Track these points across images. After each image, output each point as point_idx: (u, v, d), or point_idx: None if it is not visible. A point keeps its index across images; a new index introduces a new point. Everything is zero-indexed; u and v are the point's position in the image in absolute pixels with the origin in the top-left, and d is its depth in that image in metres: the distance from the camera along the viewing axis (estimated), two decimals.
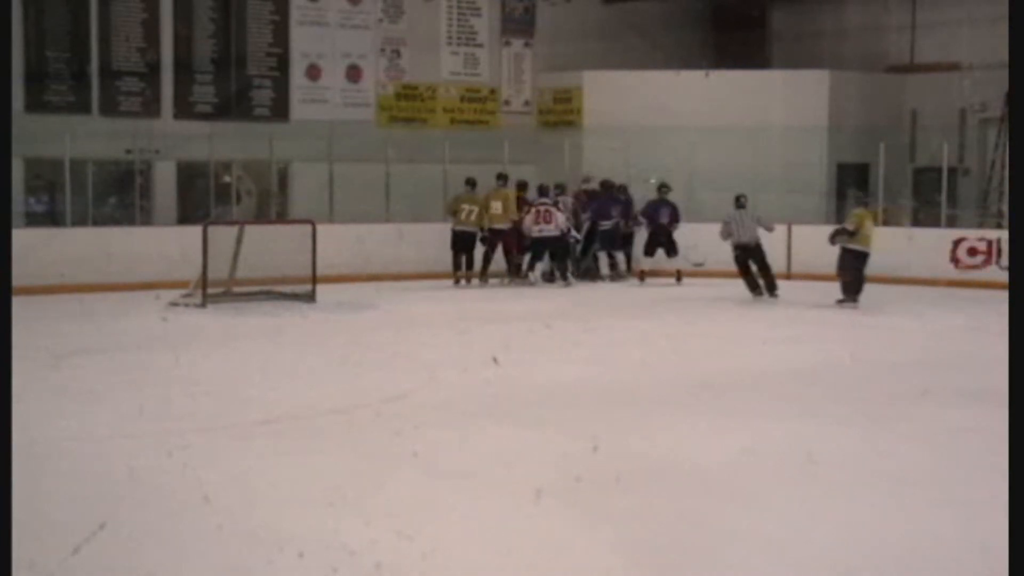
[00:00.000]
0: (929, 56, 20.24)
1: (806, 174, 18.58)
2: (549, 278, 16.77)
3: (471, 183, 16.79)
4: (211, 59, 17.97)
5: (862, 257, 14.35)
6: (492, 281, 16.83)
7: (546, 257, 16.78)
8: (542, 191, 16.80)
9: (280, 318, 13.14)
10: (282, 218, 17.65)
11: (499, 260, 16.99)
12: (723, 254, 15.68)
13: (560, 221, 16.44)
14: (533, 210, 16.51)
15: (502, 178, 17.04)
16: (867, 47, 20.79)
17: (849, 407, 8.48)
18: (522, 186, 17.33)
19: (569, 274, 16.69)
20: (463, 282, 16.60)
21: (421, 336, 11.88)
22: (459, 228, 16.64)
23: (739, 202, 15.46)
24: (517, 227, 16.77)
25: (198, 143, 17.02)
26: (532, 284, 16.52)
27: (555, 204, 16.63)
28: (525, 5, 20.66)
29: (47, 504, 5.76)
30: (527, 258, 16.83)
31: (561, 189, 17.55)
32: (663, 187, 17.22)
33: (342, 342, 11.52)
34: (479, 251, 16.73)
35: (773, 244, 17.72)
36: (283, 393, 8.78)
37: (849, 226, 14.34)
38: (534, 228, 16.43)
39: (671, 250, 17.12)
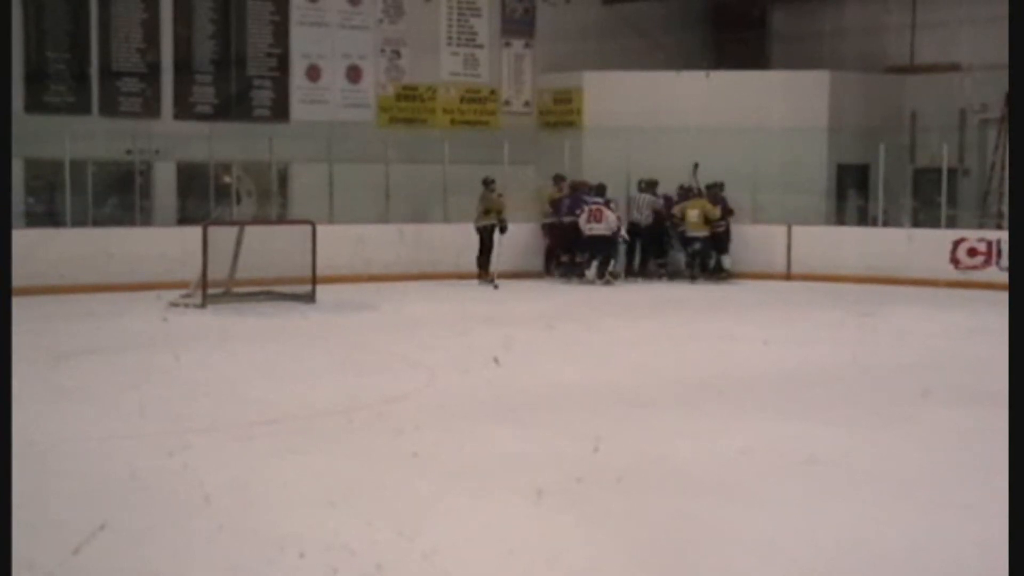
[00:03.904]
0: (929, 57, 20.22)
1: (806, 174, 18.57)
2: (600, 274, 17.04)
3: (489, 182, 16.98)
4: (211, 60, 17.94)
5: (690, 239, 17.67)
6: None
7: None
8: (599, 191, 17.32)
9: (280, 319, 13.14)
10: (282, 218, 17.64)
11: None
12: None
13: (611, 220, 16.78)
14: (587, 209, 16.96)
15: (559, 179, 17.87)
16: (867, 47, 20.75)
17: (849, 407, 8.48)
18: (574, 186, 17.65)
19: (609, 273, 16.90)
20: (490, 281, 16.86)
21: (421, 337, 11.87)
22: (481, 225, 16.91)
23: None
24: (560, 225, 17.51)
25: (198, 143, 17.01)
26: (591, 282, 16.85)
27: (607, 203, 17.04)
28: (525, 6, 20.63)
29: (47, 504, 5.75)
30: (584, 255, 17.28)
31: (603, 189, 17.65)
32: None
33: (342, 343, 11.53)
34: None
35: (773, 244, 17.81)
36: (284, 394, 8.77)
37: (676, 216, 17.70)
38: (586, 227, 16.89)
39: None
